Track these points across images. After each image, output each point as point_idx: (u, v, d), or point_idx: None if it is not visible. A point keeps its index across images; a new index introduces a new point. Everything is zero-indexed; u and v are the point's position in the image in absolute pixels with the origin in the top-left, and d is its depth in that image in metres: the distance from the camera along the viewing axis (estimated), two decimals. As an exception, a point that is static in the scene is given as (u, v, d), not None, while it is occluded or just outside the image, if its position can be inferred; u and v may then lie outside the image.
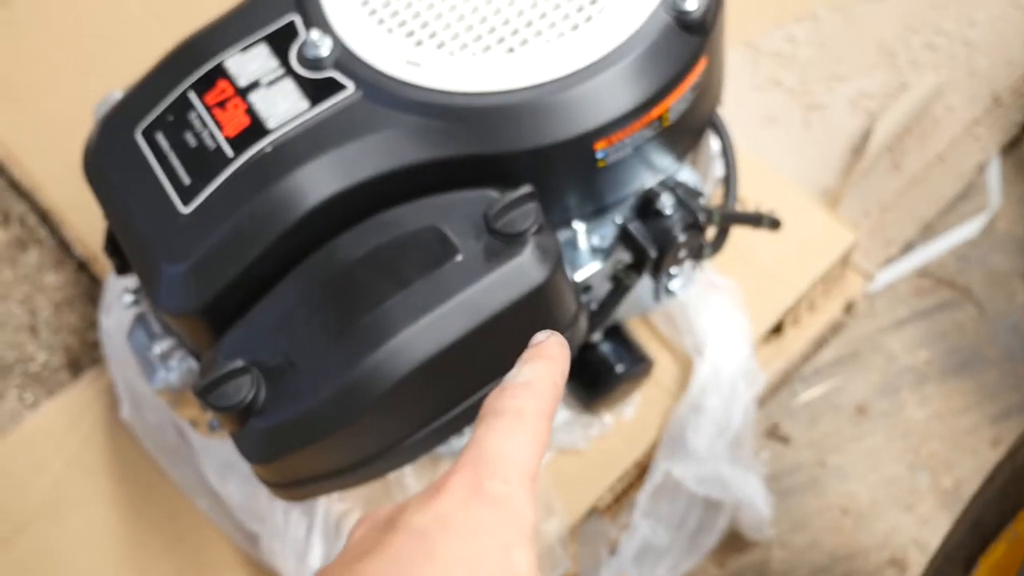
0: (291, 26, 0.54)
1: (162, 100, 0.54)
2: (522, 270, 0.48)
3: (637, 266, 0.57)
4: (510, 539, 0.29)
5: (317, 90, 0.52)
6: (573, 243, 0.57)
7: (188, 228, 0.51)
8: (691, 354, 0.70)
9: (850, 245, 0.75)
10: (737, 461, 0.69)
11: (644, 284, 0.62)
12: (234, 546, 0.70)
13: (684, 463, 0.67)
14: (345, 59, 0.52)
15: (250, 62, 0.54)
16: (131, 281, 0.61)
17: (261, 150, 0.50)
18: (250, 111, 0.52)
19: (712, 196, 0.65)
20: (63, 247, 0.87)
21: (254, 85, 0.53)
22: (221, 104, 0.53)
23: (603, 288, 0.59)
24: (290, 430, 0.48)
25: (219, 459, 0.67)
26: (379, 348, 0.47)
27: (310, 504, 0.64)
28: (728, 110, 0.66)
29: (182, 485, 0.72)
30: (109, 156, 0.55)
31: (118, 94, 0.58)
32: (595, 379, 0.66)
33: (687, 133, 0.57)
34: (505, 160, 0.51)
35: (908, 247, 0.83)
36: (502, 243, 0.48)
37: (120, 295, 0.63)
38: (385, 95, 0.51)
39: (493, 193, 0.50)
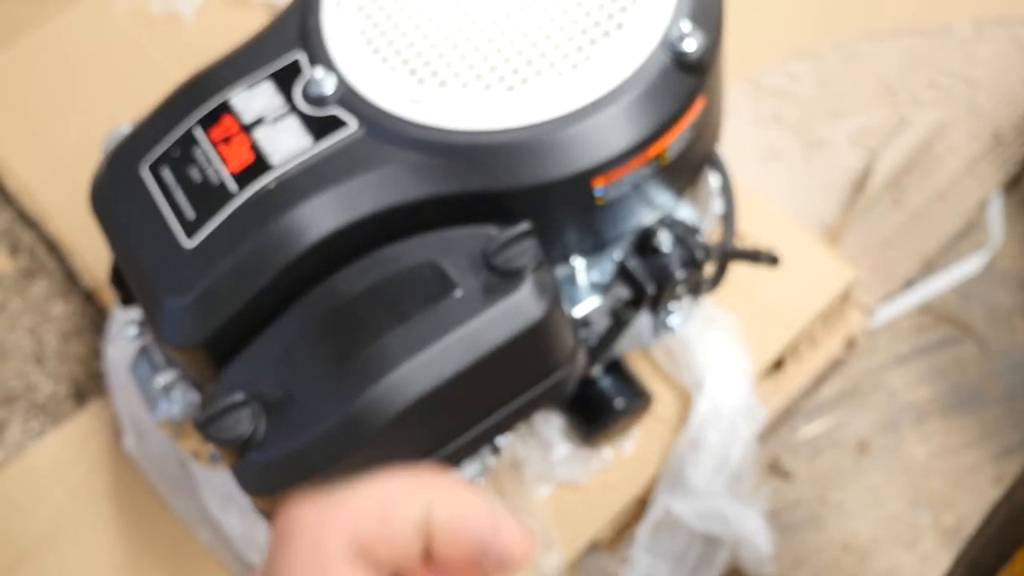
0: (296, 64, 0.55)
1: (168, 135, 0.55)
2: (520, 306, 0.49)
3: (636, 302, 0.58)
4: None
5: (320, 127, 0.53)
6: (572, 279, 0.57)
7: (192, 262, 0.51)
8: (691, 389, 0.70)
9: (850, 281, 0.75)
10: (737, 496, 0.69)
11: (643, 319, 0.62)
12: (234, 578, 0.71)
13: (684, 498, 0.68)
14: (348, 96, 0.53)
15: (255, 99, 0.55)
16: (135, 313, 0.61)
17: (265, 186, 0.51)
18: (254, 147, 0.53)
19: (711, 232, 0.66)
20: (70, 277, 0.88)
21: (259, 122, 0.54)
22: (226, 140, 0.54)
23: (602, 323, 0.59)
24: (289, 463, 0.48)
25: (220, 491, 0.68)
26: (378, 382, 0.48)
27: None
28: (729, 145, 0.67)
29: (184, 516, 0.72)
30: (116, 190, 0.56)
31: (126, 128, 0.59)
32: (595, 413, 0.66)
33: (685, 171, 0.58)
34: (504, 197, 0.52)
35: (909, 283, 0.84)
36: (500, 279, 0.49)
37: (124, 327, 0.64)
38: (387, 132, 0.52)
39: (492, 230, 0.51)
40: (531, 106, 0.52)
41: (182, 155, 0.54)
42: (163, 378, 0.58)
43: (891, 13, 0.92)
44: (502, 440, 0.59)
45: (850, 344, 0.79)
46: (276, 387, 0.49)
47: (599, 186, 0.53)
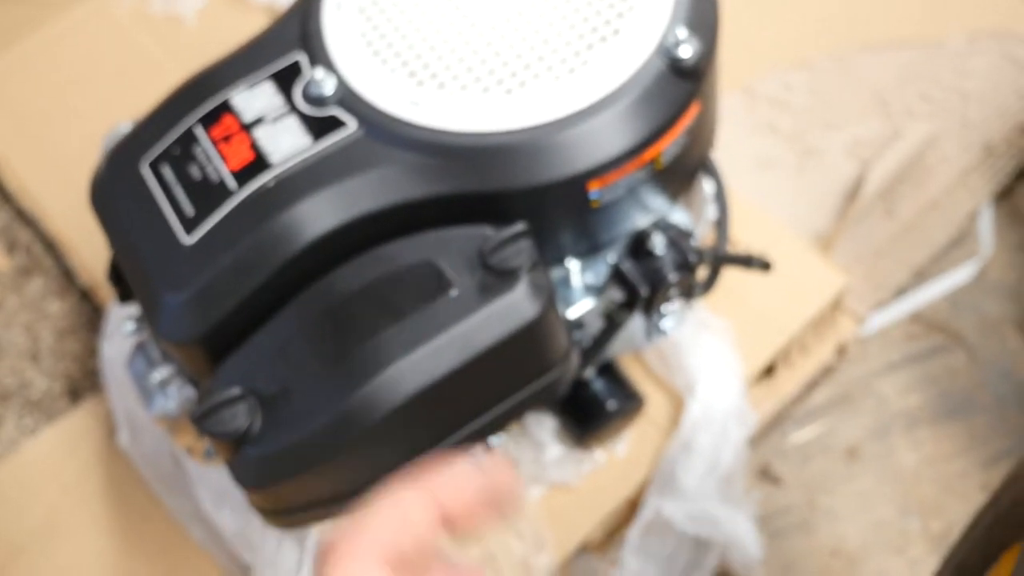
0: (296, 65, 0.56)
1: (169, 133, 0.56)
2: (515, 306, 0.49)
3: (629, 304, 0.58)
4: None
5: (320, 127, 0.54)
6: (566, 281, 0.58)
7: (191, 258, 0.52)
8: (683, 392, 0.71)
9: (842, 289, 0.76)
10: (728, 500, 0.69)
11: (637, 322, 0.63)
12: (227, 574, 0.71)
13: (675, 501, 0.68)
14: (348, 97, 0.54)
15: (256, 99, 0.55)
16: (133, 309, 0.62)
17: (264, 184, 0.52)
18: (254, 146, 0.53)
19: (705, 237, 0.66)
20: (67, 275, 0.88)
21: (259, 121, 0.54)
22: (226, 139, 0.54)
23: (596, 325, 0.60)
24: (284, 458, 0.49)
25: (214, 487, 0.68)
26: (373, 379, 0.48)
27: (302, 533, 0.65)
28: (724, 153, 0.67)
29: (177, 513, 0.72)
30: (116, 187, 0.56)
31: (126, 126, 0.59)
32: (587, 415, 0.66)
33: (680, 176, 0.59)
34: (501, 198, 0.53)
35: (900, 292, 0.84)
36: (496, 279, 0.50)
37: (121, 323, 0.64)
38: (386, 133, 0.53)
39: (488, 230, 0.52)
40: (528, 109, 0.53)
41: (182, 153, 0.55)
42: (159, 373, 0.58)
43: (886, 25, 0.93)
44: (495, 439, 0.60)
45: (841, 351, 0.79)
46: (272, 382, 0.50)
47: (594, 189, 0.54)
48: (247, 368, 0.51)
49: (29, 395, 0.83)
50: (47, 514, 0.75)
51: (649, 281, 0.57)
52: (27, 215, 0.90)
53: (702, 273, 0.62)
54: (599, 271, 0.58)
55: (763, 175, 0.87)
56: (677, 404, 0.71)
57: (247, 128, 0.54)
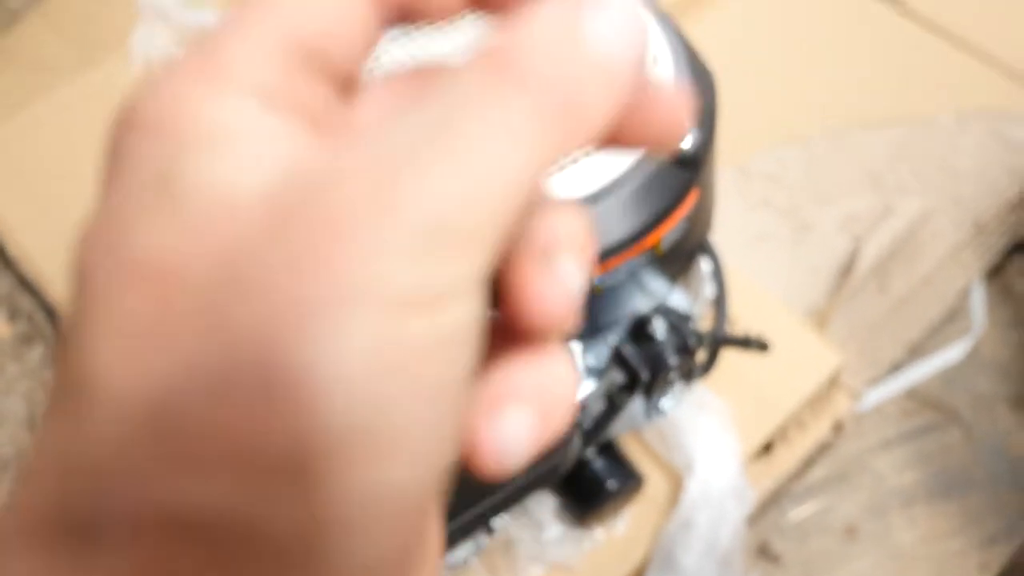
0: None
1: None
2: (518, 392, 0.50)
3: (630, 387, 0.59)
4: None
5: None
6: (568, 363, 0.59)
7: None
8: (681, 471, 0.71)
9: (838, 366, 0.77)
10: (726, 579, 0.69)
11: (636, 402, 0.63)
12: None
13: (673, 581, 0.68)
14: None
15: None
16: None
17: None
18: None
19: (703, 316, 0.67)
20: (67, 344, 0.88)
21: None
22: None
23: (597, 407, 0.60)
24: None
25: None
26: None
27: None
28: (720, 229, 0.69)
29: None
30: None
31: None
32: (587, 494, 0.67)
33: (679, 260, 0.60)
34: (504, 284, 0.54)
35: (895, 367, 0.85)
36: (499, 365, 0.50)
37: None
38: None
39: (488, 314, 0.52)
40: (532, 197, 0.54)
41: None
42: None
43: (878, 103, 0.95)
44: (497, 521, 0.60)
45: (837, 428, 0.80)
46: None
47: (596, 274, 0.54)
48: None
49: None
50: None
51: (650, 365, 0.58)
52: (29, 282, 0.90)
53: (701, 354, 0.63)
54: (600, 354, 0.59)
55: (758, 250, 0.88)
56: (676, 482, 0.71)
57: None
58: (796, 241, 0.89)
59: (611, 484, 0.66)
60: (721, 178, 0.90)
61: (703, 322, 0.67)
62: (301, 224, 0.17)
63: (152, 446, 0.17)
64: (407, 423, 0.18)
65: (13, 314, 0.91)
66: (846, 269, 0.87)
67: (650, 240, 0.55)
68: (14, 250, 0.91)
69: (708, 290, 0.67)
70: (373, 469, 0.17)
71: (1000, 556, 0.76)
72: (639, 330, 0.59)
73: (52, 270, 0.89)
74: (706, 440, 0.70)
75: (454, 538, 0.55)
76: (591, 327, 0.59)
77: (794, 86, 0.97)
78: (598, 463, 0.67)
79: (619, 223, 0.54)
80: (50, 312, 0.89)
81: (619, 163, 0.54)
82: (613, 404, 0.60)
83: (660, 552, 0.69)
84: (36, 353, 0.89)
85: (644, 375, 0.58)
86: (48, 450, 0.19)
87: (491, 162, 0.18)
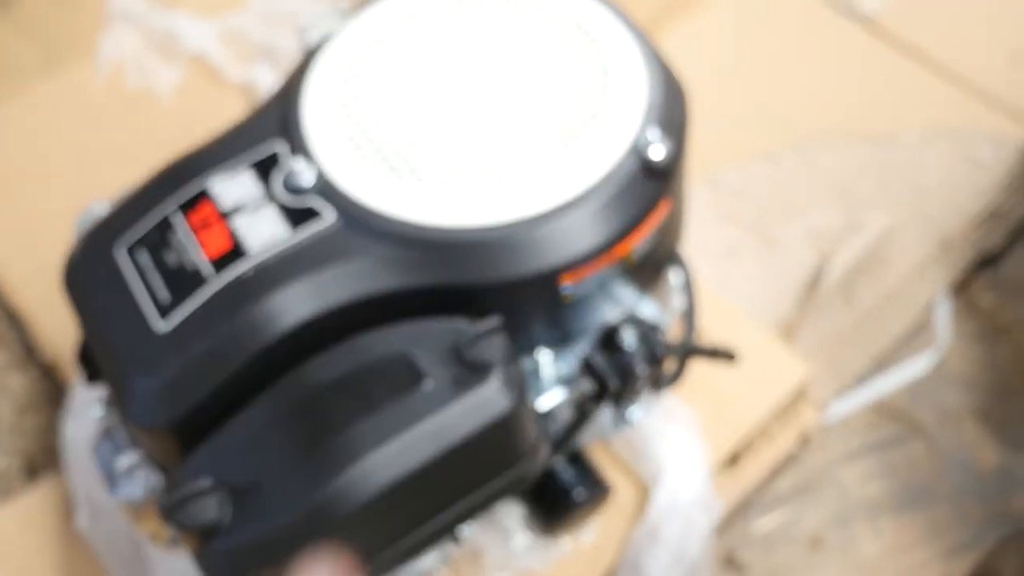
0: (276, 155, 0.57)
1: (146, 218, 0.57)
2: (488, 399, 0.50)
3: (599, 396, 0.59)
4: None
5: (298, 217, 0.55)
6: (537, 372, 0.59)
7: (165, 344, 0.52)
8: (649, 481, 0.71)
9: (804, 378, 0.78)
10: (693, 590, 0.70)
11: (605, 411, 0.64)
12: (183, 664, 0.69)
13: (640, 591, 0.68)
14: (326, 188, 0.55)
15: (235, 187, 0.56)
16: (100, 391, 0.62)
17: (242, 273, 0.53)
18: (232, 235, 0.54)
19: (672, 327, 0.68)
20: (29, 350, 0.87)
21: (237, 209, 0.55)
22: (204, 226, 0.55)
23: (565, 415, 0.61)
24: (253, 550, 0.49)
25: (174, 573, 0.67)
26: (345, 471, 0.49)
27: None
28: (691, 242, 0.70)
29: (133, 598, 0.71)
30: (90, 271, 0.56)
31: (99, 206, 0.60)
32: (555, 504, 0.67)
33: (649, 270, 0.61)
34: (475, 291, 0.54)
35: (861, 380, 0.86)
36: (469, 373, 0.50)
37: (87, 405, 0.64)
38: (363, 225, 0.54)
39: (463, 323, 0.53)
40: (504, 205, 0.54)
41: (160, 239, 0.56)
42: (127, 459, 0.58)
43: (846, 120, 0.97)
44: (465, 530, 0.60)
45: (803, 439, 0.81)
46: (243, 474, 0.50)
47: (567, 283, 0.55)
48: (218, 458, 0.51)
49: (-16, 472, 0.82)
50: (-2, 597, 0.73)
51: (619, 374, 0.58)
52: (-11, 284, 0.89)
53: (670, 364, 0.64)
54: (570, 362, 0.59)
55: (727, 263, 0.89)
56: (643, 492, 0.72)
57: (225, 216, 0.55)
58: (764, 254, 0.90)
59: (579, 493, 0.66)
60: (691, 191, 0.91)
61: (672, 332, 0.67)
62: None
63: None
64: None
65: (-27, 318, 0.90)
66: (813, 283, 0.88)
67: (621, 250, 0.56)
68: (-24, 252, 0.90)
69: (677, 301, 0.68)
70: None
71: (963, 567, 0.77)
72: (609, 339, 0.59)
73: (15, 275, 0.88)
74: (674, 450, 0.71)
75: (421, 546, 0.55)
76: (561, 336, 0.59)
77: (764, 101, 0.98)
78: (566, 472, 0.67)
79: (591, 233, 0.55)
80: (11, 317, 0.88)
81: (590, 174, 0.55)
82: (582, 413, 0.60)
83: (627, 561, 0.70)
84: (-3, 358, 0.88)
85: (613, 384, 0.58)
86: None
87: None
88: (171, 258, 0.54)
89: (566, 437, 0.61)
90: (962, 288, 0.93)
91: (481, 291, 0.54)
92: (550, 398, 0.59)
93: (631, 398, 0.61)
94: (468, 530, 0.61)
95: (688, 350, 0.64)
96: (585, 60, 0.59)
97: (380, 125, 0.57)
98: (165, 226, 0.56)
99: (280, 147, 0.57)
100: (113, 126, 0.96)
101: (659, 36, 0.72)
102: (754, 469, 0.78)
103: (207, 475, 0.49)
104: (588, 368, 0.59)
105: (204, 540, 0.49)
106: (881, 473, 0.82)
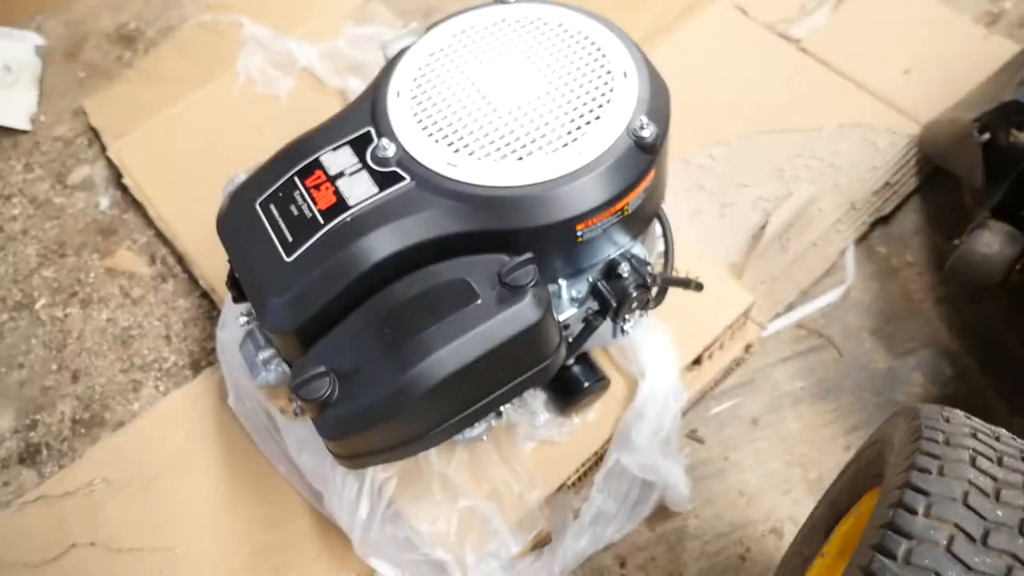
0: (368, 134, 0.56)
1: (275, 182, 0.56)
2: (523, 312, 0.49)
3: (602, 312, 0.58)
4: None
5: (384, 180, 0.53)
6: (558, 294, 0.58)
7: (290, 271, 0.52)
8: (636, 376, 0.70)
9: (749, 304, 0.76)
10: (666, 454, 0.69)
11: (606, 325, 0.63)
12: (304, 501, 0.70)
13: (629, 454, 0.68)
14: (405, 159, 0.54)
15: (338, 158, 0.55)
16: (244, 307, 0.61)
17: (343, 219, 0.52)
18: (337, 192, 0.53)
19: (656, 264, 0.66)
20: (192, 281, 0.87)
21: (340, 174, 0.54)
22: (317, 187, 0.54)
23: (577, 327, 0.60)
24: (354, 418, 0.49)
25: (298, 437, 0.68)
26: (419, 363, 0.48)
27: (361, 472, 0.65)
28: (669, 203, 0.68)
29: (269, 455, 0.72)
30: (235, 220, 0.56)
31: (241, 176, 0.59)
32: (568, 391, 0.66)
33: (640, 220, 0.59)
34: (513, 234, 0.52)
35: (790, 307, 0.85)
36: (509, 292, 0.50)
37: (236, 317, 0.64)
38: (431, 185, 0.53)
39: (504, 257, 0.52)
40: (534, 171, 0.53)
41: (284, 196, 0.55)
42: (264, 354, 0.58)
43: (782, 116, 0.94)
44: (504, 408, 0.60)
45: (748, 348, 0.79)
46: (347, 363, 0.49)
47: (580, 229, 0.54)
48: (329, 353, 0.50)
49: (163, 366, 0.83)
50: (175, 452, 0.74)
51: (617, 296, 0.57)
52: (165, 236, 0.89)
53: (654, 291, 0.62)
54: (581, 288, 0.58)
55: (694, 221, 0.87)
56: (632, 385, 0.71)
57: (332, 179, 0.54)
58: (721, 215, 0.88)
59: (586, 383, 0.66)
60: (670, 167, 0.89)
61: (656, 267, 0.66)
62: None
63: None
64: None
65: (152, 259, 0.90)
66: (757, 235, 0.86)
67: (620, 205, 0.54)
68: (153, 213, 0.90)
69: (660, 244, 0.66)
70: None
71: (859, 440, 0.76)
72: (610, 271, 0.58)
73: (181, 227, 0.88)
74: (654, 354, 0.70)
75: (473, 418, 0.55)
76: (575, 268, 0.58)
77: (723, 101, 0.95)
78: (576, 368, 0.66)
79: (597, 192, 0.53)
80: (179, 257, 0.88)
81: (597, 148, 0.53)
82: (589, 325, 0.59)
83: (619, 434, 0.69)
84: (169, 287, 0.88)
85: (613, 303, 0.57)
86: None
87: None
88: (293, 210, 0.54)
89: (577, 342, 0.60)
90: (864, 240, 0.90)
91: (517, 234, 0.53)
92: (566, 314, 0.58)
93: (625, 315, 0.60)
94: (506, 409, 0.61)
95: (667, 280, 0.62)
96: (594, 66, 0.57)
97: (442, 113, 0.55)
98: (288, 187, 0.55)
99: (370, 129, 0.56)
100: (247, 120, 0.95)
101: (649, 49, 0.69)
102: (712, 370, 0.77)
103: (321, 365, 0.49)
104: (595, 291, 0.57)
105: (320, 411, 0.49)
106: (803, 373, 0.81)
